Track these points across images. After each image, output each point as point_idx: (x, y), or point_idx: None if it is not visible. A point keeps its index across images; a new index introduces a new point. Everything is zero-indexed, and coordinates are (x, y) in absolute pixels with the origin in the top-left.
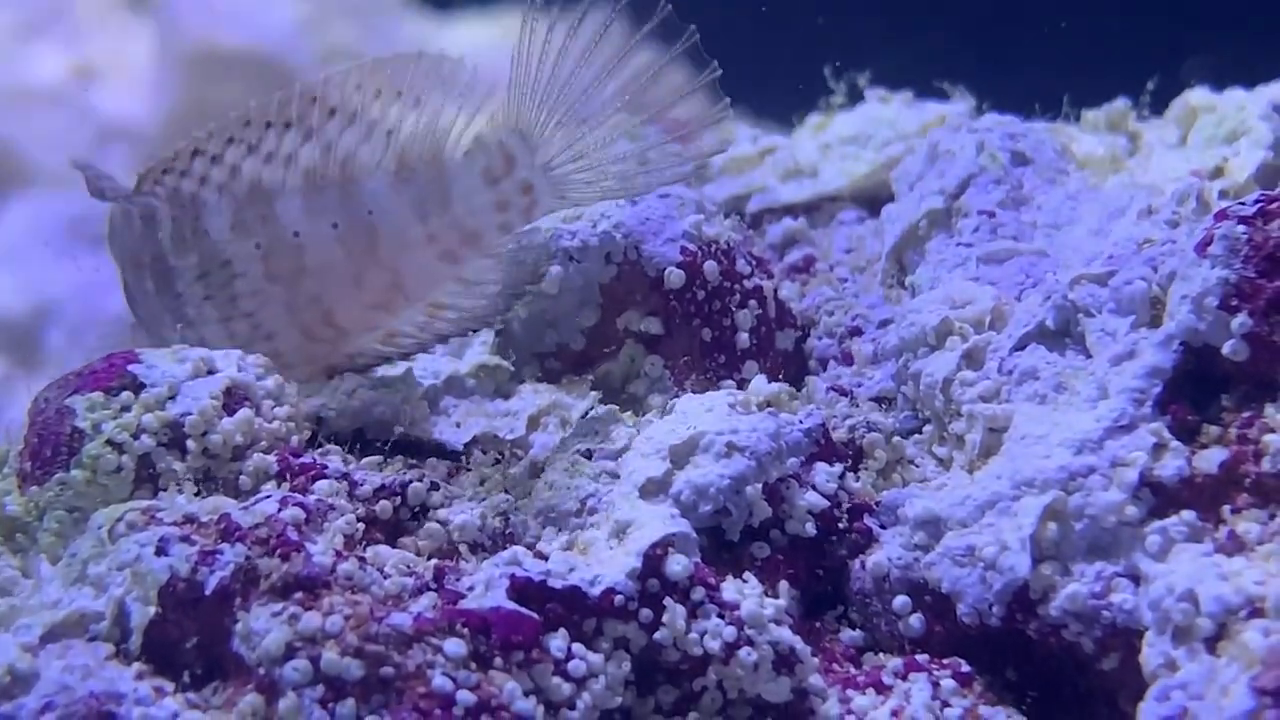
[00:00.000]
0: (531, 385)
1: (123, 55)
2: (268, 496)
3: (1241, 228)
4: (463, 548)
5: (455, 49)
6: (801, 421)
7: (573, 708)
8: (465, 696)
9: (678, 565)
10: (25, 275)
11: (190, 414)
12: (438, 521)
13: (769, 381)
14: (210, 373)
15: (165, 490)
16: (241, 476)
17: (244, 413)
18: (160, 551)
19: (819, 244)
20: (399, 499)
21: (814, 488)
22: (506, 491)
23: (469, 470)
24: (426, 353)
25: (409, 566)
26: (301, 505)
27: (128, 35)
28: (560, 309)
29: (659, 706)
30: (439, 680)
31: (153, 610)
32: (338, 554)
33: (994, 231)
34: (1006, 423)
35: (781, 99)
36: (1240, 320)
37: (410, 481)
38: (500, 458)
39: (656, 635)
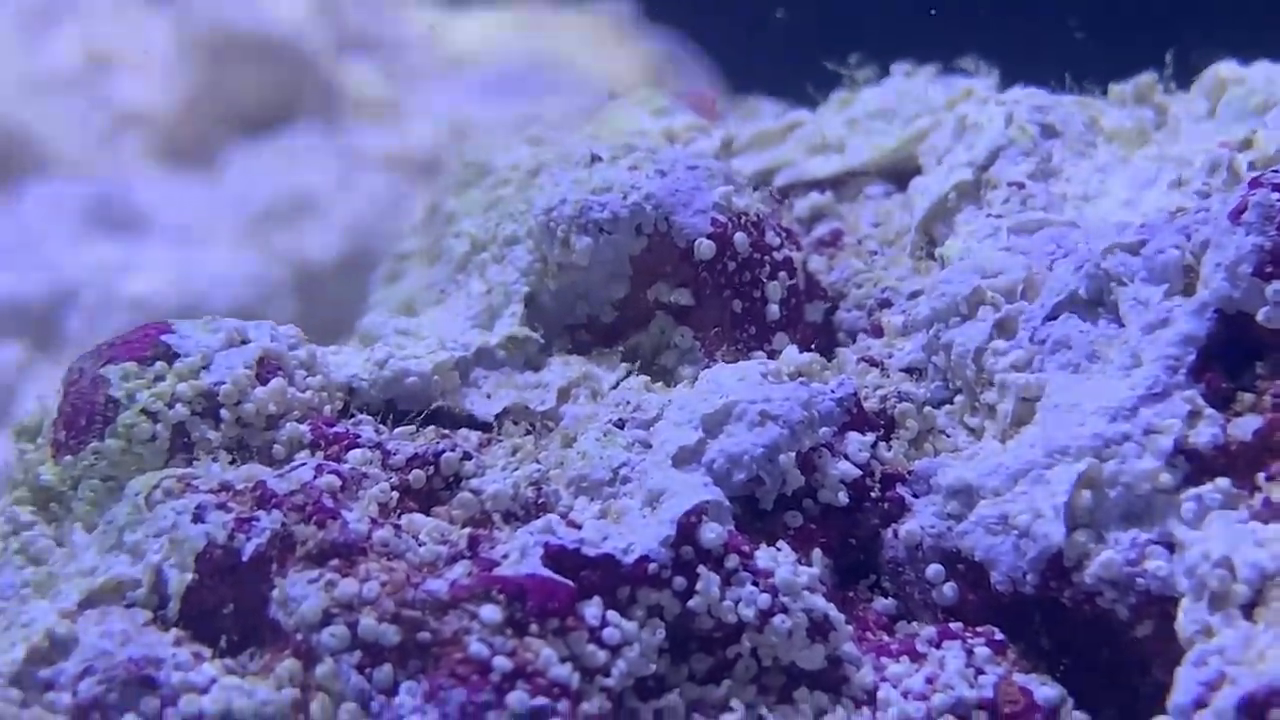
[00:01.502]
0: (561, 357)
1: (138, 42)
2: (303, 464)
3: (1276, 195)
4: (496, 517)
5: (467, 39)
6: (833, 391)
7: (608, 675)
8: (502, 662)
9: (711, 533)
10: (43, 260)
11: (224, 383)
12: (470, 491)
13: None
14: (243, 342)
15: (199, 459)
16: (275, 445)
17: (277, 382)
18: (197, 518)
19: (846, 218)
20: (432, 468)
21: (846, 457)
22: (538, 462)
23: (501, 441)
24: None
25: (443, 535)
26: (337, 473)
27: (143, 22)
28: (590, 281)
29: (693, 674)
30: (475, 646)
31: (190, 576)
32: (373, 521)
33: (1024, 203)
34: (1039, 392)
35: (804, 77)
36: (1275, 287)
37: (443, 451)
38: (531, 429)
39: (690, 603)
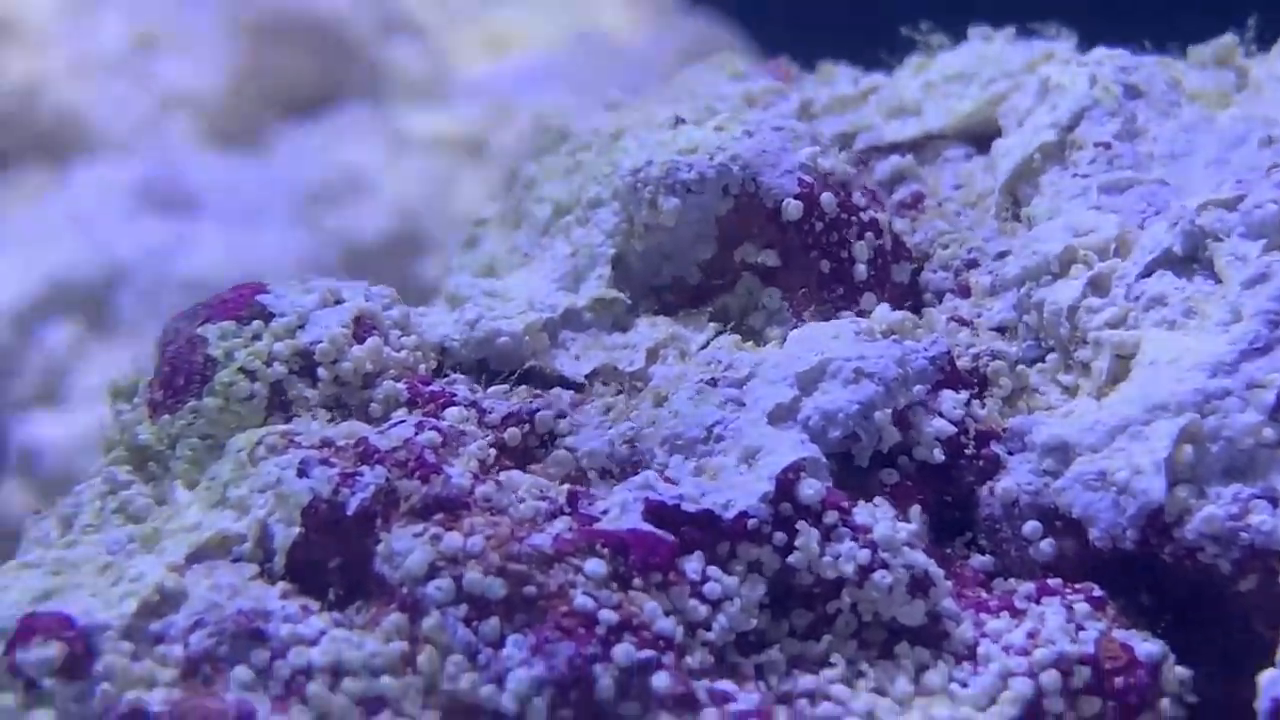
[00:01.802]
0: (648, 319)
1: (184, 24)
2: (403, 421)
3: None
4: (591, 474)
5: (512, 19)
6: (926, 349)
7: (709, 629)
8: (607, 615)
9: (810, 489)
10: (95, 239)
11: (321, 341)
12: (566, 449)
13: None
14: (338, 302)
15: (297, 417)
16: (372, 404)
17: (373, 340)
18: (301, 473)
19: (926, 181)
20: (527, 426)
21: (941, 414)
22: (631, 420)
23: (592, 401)
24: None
25: (542, 491)
26: (437, 429)
27: (189, 4)
28: (676, 242)
29: (793, 630)
30: (581, 599)
31: (296, 531)
32: (475, 477)
33: (1110, 163)
34: (1135, 349)
35: (879, 43)
36: None
37: (538, 409)
38: (621, 389)
39: (790, 559)
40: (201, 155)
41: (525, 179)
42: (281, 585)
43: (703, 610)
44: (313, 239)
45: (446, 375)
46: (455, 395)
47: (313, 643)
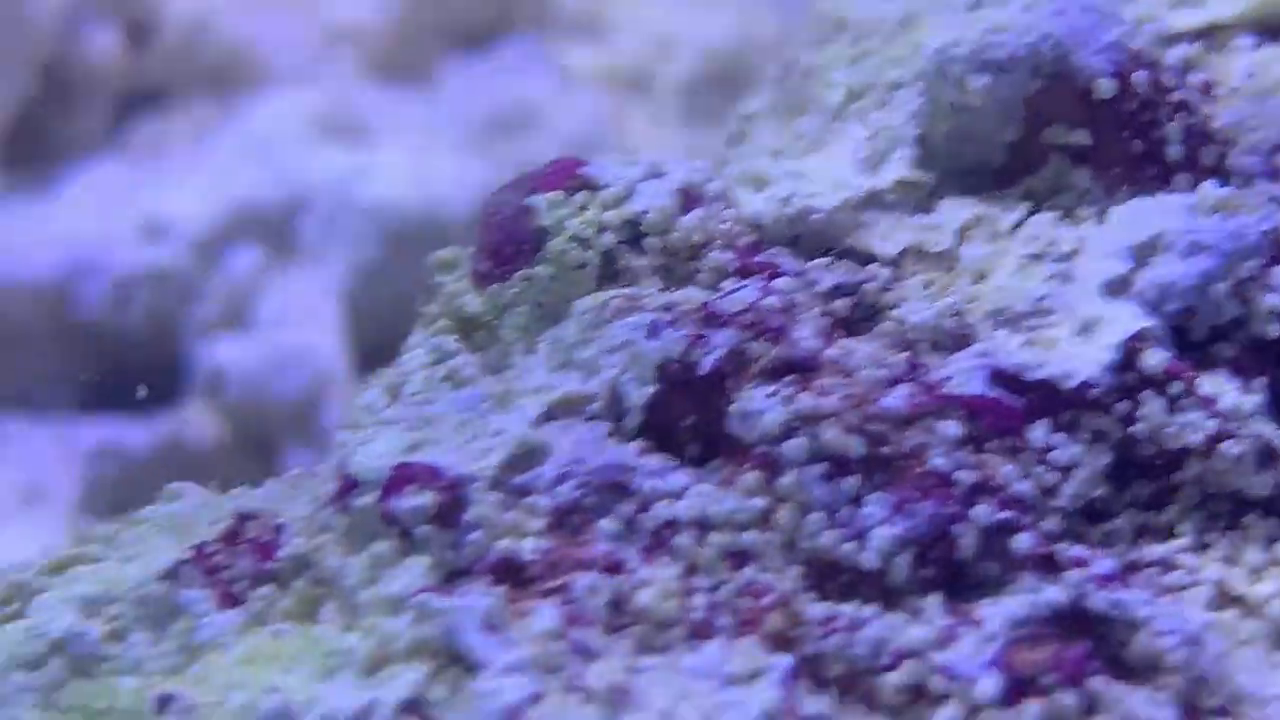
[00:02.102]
0: (954, 199)
1: None
2: (744, 286)
3: None
4: (921, 346)
5: None
6: (1259, 223)
7: (1057, 495)
8: (965, 476)
9: (1155, 358)
10: (276, 167)
11: (649, 212)
12: (893, 320)
13: None
14: (660, 175)
15: (628, 286)
16: (700, 274)
17: (700, 211)
18: (651, 334)
19: (1217, 70)
20: (854, 298)
21: (1274, 289)
22: (953, 295)
23: (909, 277)
24: None
25: (879, 359)
26: (780, 294)
27: None
28: (982, 123)
29: (1134, 500)
30: (937, 460)
31: (650, 390)
32: (821, 340)
33: None
34: None
35: None
36: None
37: (864, 281)
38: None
39: (1133, 428)
40: (372, 87)
41: (804, 68)
42: (637, 443)
43: (1050, 476)
44: (490, 169)
45: (764, 248)
46: (782, 265)
47: (677, 497)
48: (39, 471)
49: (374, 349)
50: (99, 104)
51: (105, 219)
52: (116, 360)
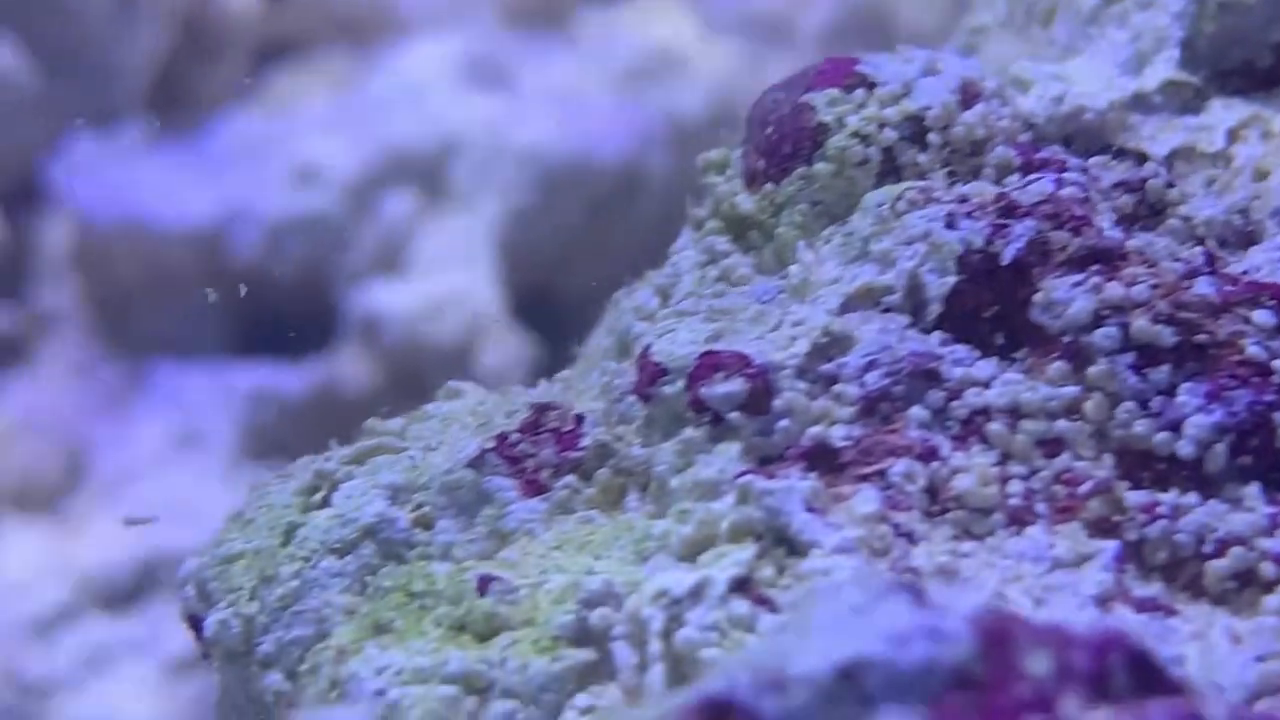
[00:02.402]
0: (1222, 100)
1: None
2: (1039, 178)
3: None
4: (1210, 243)
5: None
6: None
7: None
8: None
9: None
10: (426, 113)
11: (932, 107)
12: (1179, 218)
13: None
14: (937, 72)
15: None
16: (984, 170)
17: (982, 106)
18: (950, 225)
19: None
20: (1138, 194)
21: None
22: (1237, 193)
23: (1187, 176)
24: None
25: (1174, 251)
26: (1078, 185)
27: None
28: (1250, 23)
29: None
30: (1253, 349)
31: (952, 280)
32: (1123, 229)
33: None
34: None
35: None
36: None
37: (1148, 176)
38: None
39: None
40: (511, 36)
41: None
42: (938, 334)
43: None
44: (637, 114)
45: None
46: (1067, 162)
47: (985, 385)
48: (195, 416)
49: (527, 292)
50: (237, 56)
51: (256, 167)
52: (270, 306)
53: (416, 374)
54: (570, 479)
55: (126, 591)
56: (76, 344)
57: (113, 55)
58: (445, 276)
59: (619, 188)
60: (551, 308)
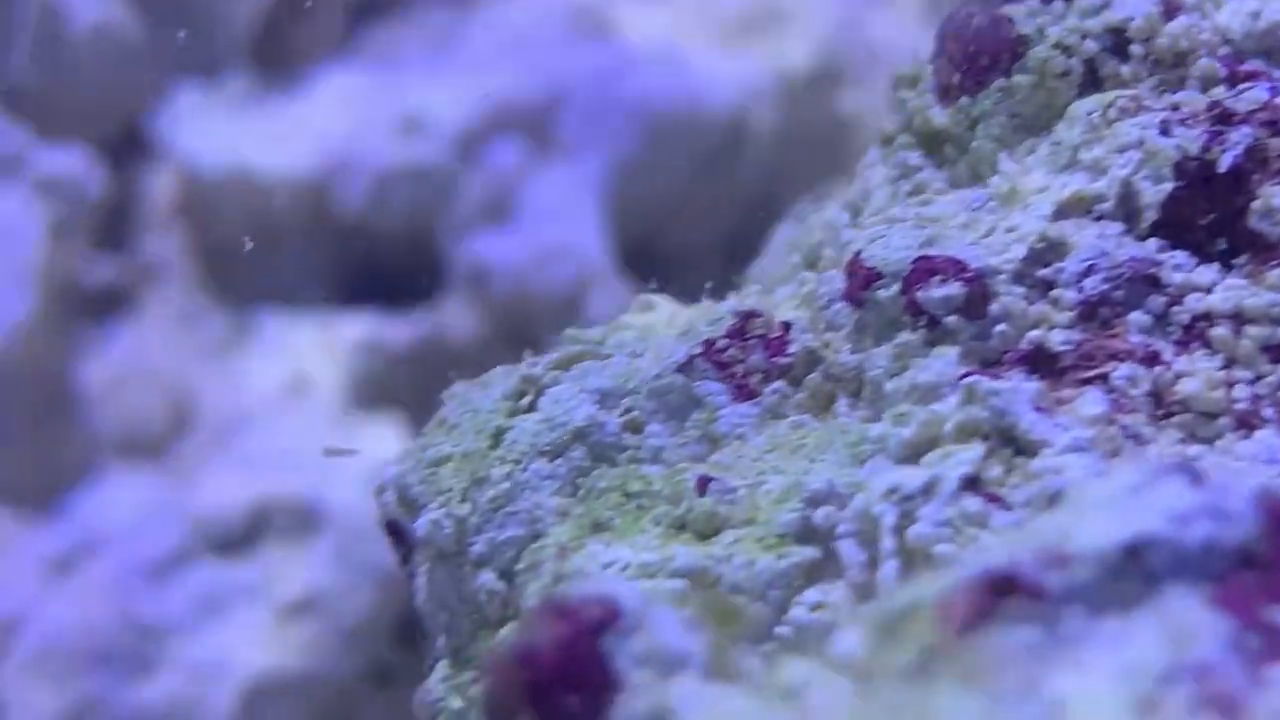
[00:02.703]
0: None
1: None
2: (1253, 86)
3: None
4: None
5: None
6: None
7: None
8: None
9: None
10: (534, 63)
11: (1134, 18)
12: None
13: None
14: None
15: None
16: (1188, 81)
17: (1186, 18)
18: (1164, 132)
19: None
20: None
21: None
22: None
23: None
24: None
25: None
26: None
27: None
28: None
29: None
30: None
31: (1168, 186)
32: None
33: None
34: None
35: None
36: None
37: None
38: None
39: None
40: None
41: None
42: (1153, 240)
43: None
44: (746, 66)
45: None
46: (1275, 75)
47: (1208, 290)
48: (302, 364)
49: (633, 244)
50: (334, 10)
51: (361, 118)
52: (376, 256)
53: (523, 325)
54: (780, 384)
55: (239, 536)
56: (183, 294)
57: (217, 6)
58: (553, 227)
59: (725, 141)
60: (657, 260)
